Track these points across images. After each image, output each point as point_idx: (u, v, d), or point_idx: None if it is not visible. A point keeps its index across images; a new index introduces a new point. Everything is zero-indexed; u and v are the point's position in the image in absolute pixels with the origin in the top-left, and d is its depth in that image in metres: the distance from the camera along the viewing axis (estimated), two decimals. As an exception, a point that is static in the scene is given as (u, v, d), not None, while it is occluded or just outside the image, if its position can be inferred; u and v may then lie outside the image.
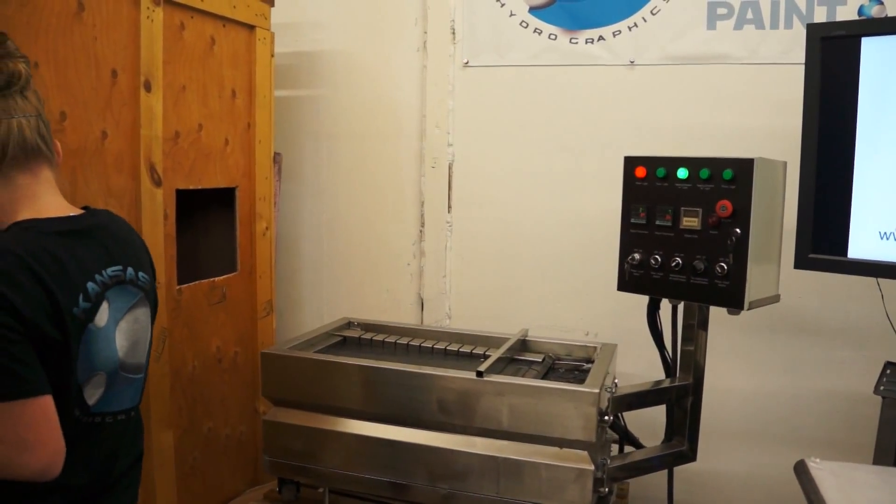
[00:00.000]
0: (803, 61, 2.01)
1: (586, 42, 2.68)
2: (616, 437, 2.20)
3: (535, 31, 2.73)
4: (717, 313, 1.94)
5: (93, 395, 1.32)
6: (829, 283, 2.36)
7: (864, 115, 1.94)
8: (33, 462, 1.19)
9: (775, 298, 1.95)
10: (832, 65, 1.97)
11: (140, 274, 1.45)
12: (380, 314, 2.88)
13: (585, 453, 1.86)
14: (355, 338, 2.43)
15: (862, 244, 1.96)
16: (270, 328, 2.70)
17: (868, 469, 1.69)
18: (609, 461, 1.94)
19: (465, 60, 2.83)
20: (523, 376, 2.09)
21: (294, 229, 3.12)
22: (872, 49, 1.92)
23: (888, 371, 2.04)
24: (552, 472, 1.86)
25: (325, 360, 2.10)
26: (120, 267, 1.39)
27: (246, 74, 2.53)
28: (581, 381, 1.94)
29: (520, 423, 1.89)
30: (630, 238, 1.97)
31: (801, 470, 1.60)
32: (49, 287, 1.22)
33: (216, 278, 2.43)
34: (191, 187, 2.28)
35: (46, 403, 1.20)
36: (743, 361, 2.58)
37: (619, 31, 2.64)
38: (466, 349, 2.30)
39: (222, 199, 2.51)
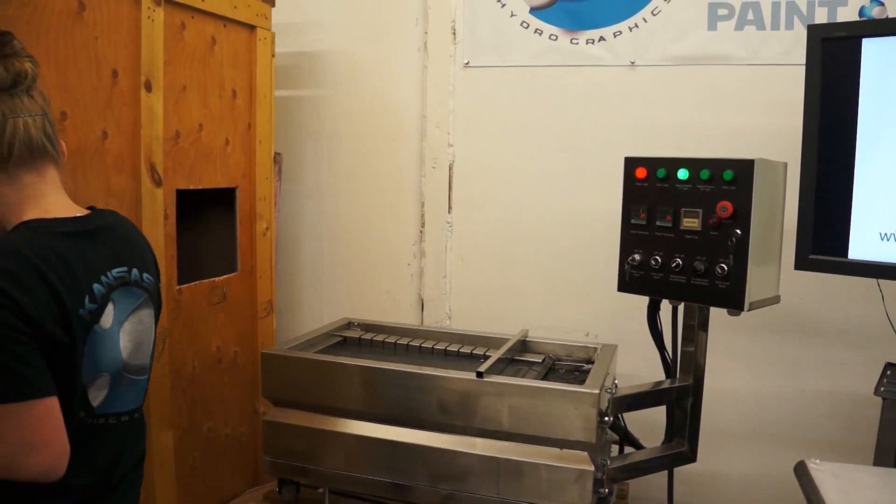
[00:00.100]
0: (804, 62, 2.01)
1: (587, 43, 2.68)
2: (616, 437, 2.20)
3: (535, 32, 2.73)
4: (717, 314, 1.94)
5: (97, 396, 1.33)
6: (830, 284, 2.36)
7: (864, 116, 1.94)
8: (38, 463, 1.20)
9: (776, 299, 1.95)
10: (833, 66, 1.97)
11: (145, 275, 1.45)
12: (380, 314, 2.88)
13: (585, 454, 1.86)
14: (355, 338, 2.43)
15: (862, 245, 1.96)
16: (270, 328, 2.70)
17: (868, 470, 1.69)
18: (609, 462, 1.94)
19: (466, 61, 2.82)
20: (523, 377, 2.09)
21: (294, 229, 3.12)
22: (873, 50, 1.92)
23: (888, 372, 2.04)
24: (552, 473, 1.86)
25: (325, 361, 2.10)
26: (125, 268, 1.40)
27: (246, 74, 2.53)
28: (581, 382, 1.94)
29: (520, 424, 1.89)
30: (630, 239, 1.97)
31: (801, 471, 1.59)
32: (56, 288, 1.22)
33: (216, 278, 2.43)
34: (191, 187, 2.28)
35: (51, 405, 1.21)
36: (743, 362, 2.58)
37: (620, 32, 2.64)
38: (466, 350, 2.30)
39: (223, 200, 2.51)
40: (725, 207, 1.78)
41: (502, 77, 2.79)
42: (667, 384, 2.10)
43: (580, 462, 1.85)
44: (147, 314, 1.45)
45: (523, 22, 2.74)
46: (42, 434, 1.20)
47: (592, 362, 2.18)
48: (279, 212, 2.93)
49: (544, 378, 2.11)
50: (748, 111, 2.52)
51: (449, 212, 2.89)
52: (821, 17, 2.44)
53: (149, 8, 2.03)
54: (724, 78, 2.55)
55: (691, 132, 2.58)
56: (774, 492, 2.52)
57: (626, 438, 2.22)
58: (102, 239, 1.38)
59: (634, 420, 2.24)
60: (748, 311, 1.80)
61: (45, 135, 1.32)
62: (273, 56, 2.64)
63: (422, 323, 2.94)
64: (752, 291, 1.79)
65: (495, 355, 2.09)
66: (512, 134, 2.80)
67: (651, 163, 1.93)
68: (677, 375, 2.11)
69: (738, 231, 1.77)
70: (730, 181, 1.78)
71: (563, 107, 2.73)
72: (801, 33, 2.32)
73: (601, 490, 1.88)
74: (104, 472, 1.38)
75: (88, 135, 1.88)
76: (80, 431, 1.30)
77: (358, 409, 2.04)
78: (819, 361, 2.52)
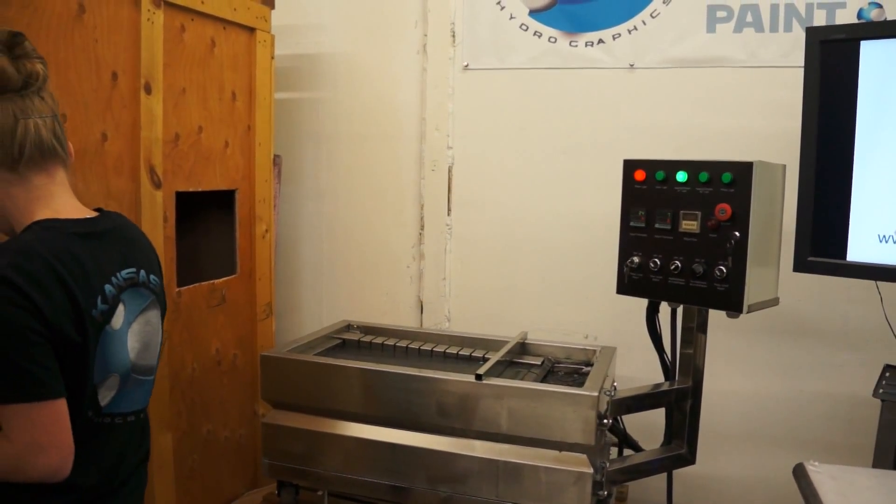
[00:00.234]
0: (803, 64, 2.01)
1: (586, 45, 2.69)
2: (615, 440, 2.20)
3: (534, 34, 2.73)
4: (716, 316, 1.94)
5: (106, 396, 1.34)
6: (828, 286, 2.36)
7: (863, 118, 1.94)
8: (46, 463, 1.21)
9: (774, 301, 1.95)
10: (831, 68, 1.97)
11: (151, 276, 1.47)
12: (379, 317, 2.88)
13: (584, 456, 1.86)
14: (354, 340, 2.43)
15: (861, 247, 1.97)
16: (270, 331, 2.70)
17: (867, 472, 1.69)
18: (608, 464, 1.93)
19: (465, 63, 2.83)
20: (522, 379, 2.09)
21: (294, 232, 3.12)
22: (871, 52, 1.92)
23: (887, 374, 2.05)
24: (551, 476, 1.86)
25: (324, 363, 2.10)
26: (134, 269, 1.41)
27: (246, 77, 2.53)
28: (580, 385, 1.94)
29: (519, 427, 1.89)
30: (629, 241, 1.97)
31: (799, 473, 1.60)
32: (71, 289, 1.24)
33: (216, 280, 2.43)
34: (191, 189, 2.28)
35: (61, 406, 1.22)
36: (742, 364, 2.58)
37: (619, 35, 2.65)
38: (466, 352, 2.30)
39: (222, 202, 2.51)
40: (724, 210, 1.78)
41: (501, 79, 2.79)
42: (666, 386, 2.10)
43: (579, 464, 1.85)
44: (154, 315, 1.47)
45: (522, 24, 2.74)
46: (51, 435, 1.21)
47: (591, 364, 2.18)
48: (278, 214, 2.93)
49: (543, 380, 2.11)
50: (747, 113, 2.53)
51: (448, 214, 2.89)
52: (819, 19, 2.44)
53: (148, 10, 2.03)
54: (722, 80, 2.55)
55: (690, 134, 2.58)
56: (773, 494, 2.53)
57: (626, 441, 2.22)
58: (112, 240, 1.39)
59: (633, 422, 2.24)
60: (747, 313, 1.80)
61: (54, 136, 1.33)
62: (272, 58, 2.64)
63: (421, 325, 2.94)
64: (751, 294, 1.79)
65: (494, 358, 2.09)
66: (511, 136, 2.80)
67: (650, 165, 1.93)
68: (676, 378, 2.11)
69: (737, 233, 1.77)
70: (728, 183, 1.78)
71: (563, 109, 2.73)
72: (799, 35, 2.33)
73: (600, 492, 1.88)
74: (109, 472, 1.38)
75: (88, 137, 1.88)
76: (88, 430, 1.31)
77: (357, 412, 2.05)
78: (818, 363, 2.52)
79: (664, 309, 2.07)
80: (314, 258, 3.12)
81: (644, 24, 2.61)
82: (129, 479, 1.45)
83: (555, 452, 1.87)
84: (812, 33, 2.00)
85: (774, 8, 2.48)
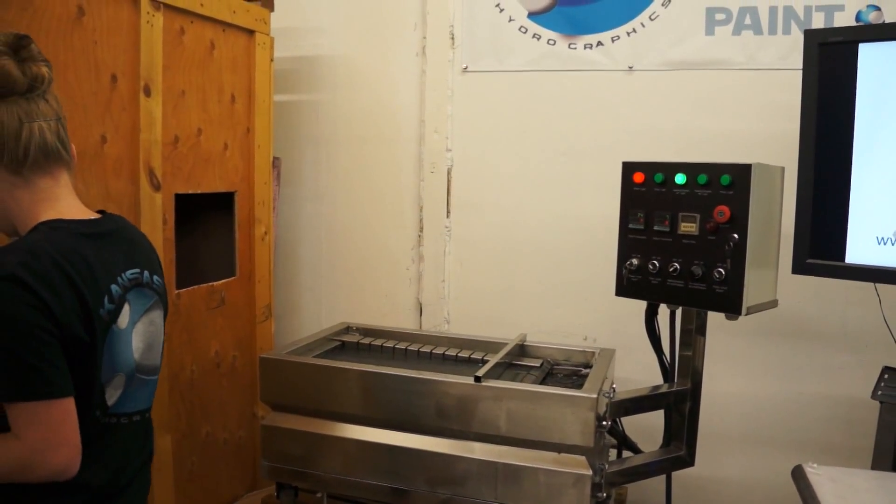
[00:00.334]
0: (801, 67, 2.02)
1: (585, 47, 2.69)
2: (614, 442, 2.20)
3: (533, 37, 2.74)
4: (715, 318, 1.95)
5: (112, 395, 1.35)
6: (827, 288, 2.36)
7: (861, 120, 1.95)
8: (57, 462, 1.22)
9: (773, 304, 1.95)
10: (830, 70, 1.97)
11: (154, 277, 1.48)
12: (378, 319, 2.88)
13: (584, 458, 1.86)
14: (354, 342, 2.43)
15: (859, 249, 1.97)
16: (269, 333, 2.70)
17: (866, 474, 1.69)
18: (607, 466, 1.93)
19: (464, 65, 2.83)
20: (521, 381, 2.09)
21: (293, 234, 3.12)
22: (870, 55, 1.93)
23: (886, 376, 2.05)
24: (550, 478, 1.86)
25: (323, 365, 2.10)
26: (138, 270, 1.42)
27: (245, 79, 2.53)
28: (579, 387, 1.94)
29: (518, 429, 1.89)
30: (628, 243, 1.97)
31: (798, 475, 1.60)
32: (80, 289, 1.25)
33: (215, 283, 2.43)
34: (190, 192, 2.28)
35: (70, 405, 1.24)
36: (741, 366, 2.58)
37: (618, 37, 2.65)
38: (465, 354, 2.30)
39: (221, 204, 2.52)
40: (723, 212, 1.78)
41: (500, 82, 2.80)
42: (665, 388, 2.10)
43: (578, 466, 1.85)
44: (157, 315, 1.48)
45: (521, 27, 2.75)
46: (61, 433, 1.22)
47: (590, 366, 2.18)
48: (278, 216, 2.93)
49: (542, 382, 2.11)
50: (745, 116, 2.53)
51: (447, 216, 2.90)
52: (818, 22, 2.45)
53: (148, 13, 2.03)
54: (721, 82, 2.55)
55: (689, 137, 2.59)
56: (772, 496, 2.53)
57: (625, 443, 2.22)
58: (116, 241, 1.40)
59: (632, 424, 2.24)
60: (746, 315, 1.80)
61: (59, 139, 1.34)
62: (272, 61, 2.64)
63: (420, 327, 2.94)
64: (750, 296, 1.79)
65: (493, 360, 2.09)
66: (510, 138, 2.80)
67: (649, 167, 1.93)
68: (675, 380, 2.11)
69: (736, 235, 1.77)
70: (727, 186, 1.78)
71: (562, 111, 2.73)
72: (798, 38, 2.33)
73: (599, 494, 1.87)
74: (117, 472, 1.40)
75: (87, 139, 1.89)
76: (96, 430, 1.32)
77: (356, 414, 2.04)
78: (816, 365, 2.53)
79: (663, 311, 2.07)
80: (313, 260, 3.12)
81: (643, 26, 2.62)
82: (134, 479, 1.46)
83: (554, 454, 1.87)
84: (810, 36, 2.01)
85: (773, 10, 2.49)
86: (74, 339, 1.24)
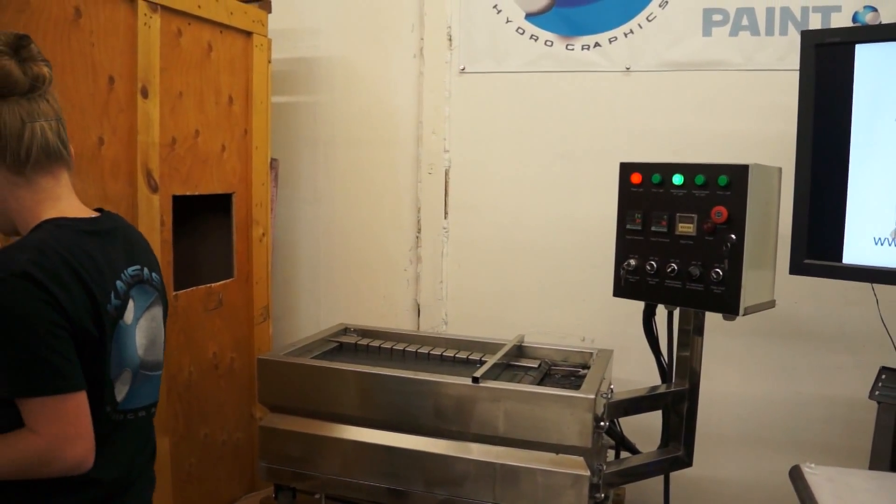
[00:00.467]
0: (798, 68, 2.02)
1: (582, 48, 2.69)
2: (612, 442, 2.20)
3: (531, 38, 2.74)
4: (712, 319, 1.95)
5: (121, 391, 1.37)
6: (825, 288, 2.36)
7: (858, 120, 1.95)
8: (73, 455, 1.24)
9: (771, 304, 1.95)
10: (827, 71, 1.98)
11: (153, 274, 1.49)
12: (376, 320, 2.88)
13: (581, 459, 1.86)
14: (352, 344, 2.43)
15: (857, 249, 1.97)
16: (267, 334, 2.70)
17: (864, 474, 1.69)
18: (605, 467, 1.94)
19: (462, 67, 2.83)
20: (519, 382, 2.09)
21: (291, 235, 3.12)
22: (866, 56, 1.93)
23: (883, 376, 2.05)
24: (548, 478, 1.86)
25: (321, 367, 2.10)
26: (139, 266, 1.44)
27: (243, 81, 2.53)
28: (577, 387, 1.94)
29: (516, 429, 1.89)
30: (626, 244, 1.97)
31: (796, 475, 1.60)
32: (88, 285, 1.26)
33: (213, 284, 2.43)
34: (187, 193, 2.28)
35: (83, 398, 1.25)
36: (738, 367, 2.59)
37: (616, 38, 2.65)
38: (463, 355, 2.30)
39: (219, 205, 2.51)
40: (720, 212, 1.78)
41: (498, 83, 2.80)
42: (662, 389, 2.10)
43: (576, 467, 1.85)
44: (158, 311, 1.49)
45: (519, 28, 2.75)
46: (77, 426, 1.24)
47: (588, 367, 2.18)
48: (275, 217, 2.93)
49: (540, 383, 2.11)
50: (743, 116, 2.53)
51: (445, 217, 2.90)
52: (815, 23, 2.45)
53: (145, 14, 2.03)
54: (718, 83, 2.56)
55: (686, 137, 2.59)
56: (770, 496, 2.53)
57: (623, 443, 2.22)
58: (117, 239, 1.41)
59: (630, 425, 2.24)
60: (743, 315, 1.80)
61: (59, 139, 1.35)
62: (269, 62, 2.64)
63: (418, 328, 2.94)
64: (747, 296, 1.79)
65: (491, 360, 2.09)
66: (508, 139, 2.80)
67: (646, 168, 1.93)
68: (673, 380, 2.11)
69: (733, 236, 1.77)
70: (725, 186, 1.79)
71: (559, 112, 2.73)
72: (795, 39, 2.33)
73: (597, 495, 1.88)
74: (127, 467, 1.41)
75: (85, 141, 1.88)
76: (106, 426, 1.33)
77: (354, 415, 2.04)
78: (814, 366, 2.53)
79: (661, 311, 2.07)
80: (311, 261, 3.12)
81: (640, 27, 2.62)
82: (140, 475, 1.47)
83: (552, 455, 1.87)
84: (807, 37, 2.01)
85: (770, 11, 2.49)
86: (85, 335, 1.25)
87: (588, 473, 1.84)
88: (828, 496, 1.49)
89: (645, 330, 2.12)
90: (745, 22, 2.52)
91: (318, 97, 3.05)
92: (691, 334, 2.04)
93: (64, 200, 1.36)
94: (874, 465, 1.93)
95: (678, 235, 1.87)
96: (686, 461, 2.06)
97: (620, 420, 2.20)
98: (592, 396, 1.83)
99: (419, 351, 2.33)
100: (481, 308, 2.87)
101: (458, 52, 2.83)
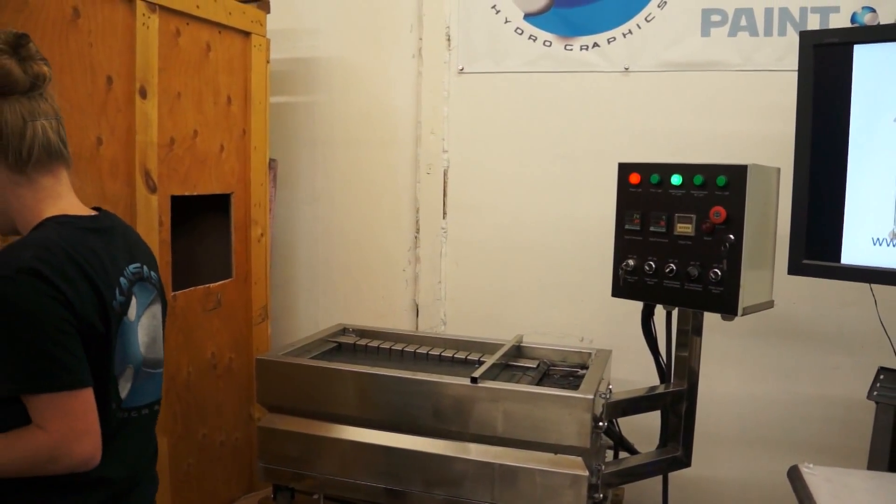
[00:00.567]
0: (797, 68, 2.02)
1: (581, 49, 2.69)
2: (611, 442, 2.20)
3: (530, 38, 2.74)
4: (711, 319, 1.95)
5: (124, 388, 1.37)
6: (823, 288, 2.36)
7: (856, 121, 1.95)
8: (82, 451, 1.23)
9: (769, 304, 1.95)
10: (825, 72, 1.98)
11: (152, 272, 1.50)
12: (375, 320, 2.88)
13: (580, 459, 1.86)
14: (350, 344, 2.43)
15: (855, 250, 1.97)
16: (265, 334, 2.69)
17: (862, 474, 1.69)
18: (604, 467, 1.94)
19: (461, 67, 2.83)
20: (518, 382, 2.09)
21: (289, 235, 3.12)
22: (865, 56, 1.93)
23: (881, 376, 2.05)
24: (547, 479, 1.86)
25: (320, 367, 2.10)
26: (139, 264, 1.44)
27: (241, 81, 2.53)
28: (575, 387, 1.94)
29: (514, 429, 1.89)
30: (624, 244, 1.97)
31: (794, 475, 1.60)
32: (94, 281, 1.27)
33: (211, 284, 2.43)
34: (186, 193, 2.28)
35: (90, 395, 1.25)
36: (737, 367, 2.59)
37: (614, 38, 2.65)
38: (461, 355, 2.30)
39: (217, 206, 2.51)
40: (719, 213, 1.78)
41: (497, 83, 2.80)
42: (661, 389, 2.10)
43: (575, 467, 1.85)
44: (158, 309, 1.50)
45: (517, 28, 2.75)
46: (84, 423, 1.24)
47: (587, 367, 2.18)
48: (274, 218, 2.93)
49: (539, 383, 2.11)
50: (741, 117, 2.53)
51: (444, 217, 2.90)
52: (813, 23, 2.45)
53: (144, 15, 2.03)
54: (717, 84, 2.56)
55: (685, 138, 2.59)
56: (768, 496, 2.53)
57: (621, 443, 2.22)
58: (117, 237, 1.42)
59: (629, 425, 2.24)
60: (742, 316, 1.80)
61: (59, 138, 1.35)
62: (268, 62, 2.64)
63: (417, 328, 2.94)
64: (746, 296, 1.79)
65: (490, 361, 2.09)
66: (506, 140, 2.80)
67: (645, 168, 1.93)
68: (672, 380, 2.11)
69: (732, 236, 1.77)
70: (723, 186, 1.79)
71: (558, 113, 2.73)
72: (793, 39, 2.33)
73: (596, 495, 1.88)
74: (133, 465, 1.41)
75: (83, 141, 1.88)
76: (113, 424, 1.33)
77: (353, 415, 2.04)
78: (812, 366, 2.53)
79: (659, 312, 2.07)
80: (310, 262, 3.12)
81: (639, 27, 2.62)
82: (145, 474, 1.48)
83: (550, 455, 1.87)
84: (806, 37, 2.01)
85: (768, 12, 2.49)
86: (91, 331, 1.25)
87: (586, 473, 1.84)
88: (826, 496, 1.49)
89: (643, 330, 2.12)
90: (743, 22, 2.52)
91: (316, 97, 3.05)
92: (690, 334, 2.04)
93: (64, 199, 1.36)
94: (872, 465, 1.93)
95: (677, 236, 1.87)
96: (684, 461, 2.06)
97: (619, 420, 2.19)
98: (591, 396, 1.83)
99: (418, 351, 2.33)
100: (480, 308, 2.87)
101: (457, 53, 2.83)
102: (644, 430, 2.31)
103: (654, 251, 1.92)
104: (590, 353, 2.29)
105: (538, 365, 2.26)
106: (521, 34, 2.75)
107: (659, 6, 2.59)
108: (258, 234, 2.63)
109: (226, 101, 2.45)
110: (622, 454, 2.23)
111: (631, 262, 1.95)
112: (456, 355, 2.30)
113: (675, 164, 1.88)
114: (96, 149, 1.92)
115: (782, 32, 2.49)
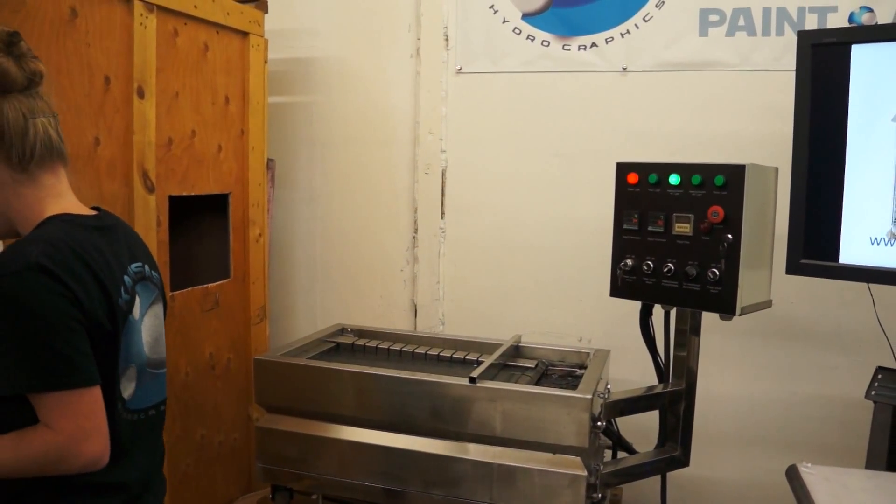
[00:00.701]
0: (794, 68, 2.02)
1: (579, 49, 2.69)
2: (609, 442, 2.20)
3: (528, 38, 2.74)
4: (709, 319, 1.95)
5: (126, 388, 1.36)
6: (821, 288, 2.37)
7: (854, 121, 1.95)
8: (91, 450, 1.22)
9: (767, 304, 1.95)
10: (823, 71, 1.98)
11: (153, 272, 1.49)
12: (373, 320, 2.88)
13: (578, 459, 1.86)
14: (348, 344, 2.43)
15: (853, 249, 1.97)
16: (263, 335, 2.69)
17: (860, 474, 1.69)
18: (602, 467, 1.94)
19: (459, 67, 2.83)
20: (516, 382, 2.09)
21: (287, 235, 3.12)
22: (863, 56, 1.93)
23: (879, 376, 2.05)
24: (545, 478, 1.86)
25: (318, 367, 2.10)
26: (140, 263, 1.44)
27: (239, 81, 2.53)
28: (574, 387, 1.94)
29: (513, 429, 1.89)
30: (622, 244, 1.98)
31: (792, 475, 1.60)
32: (100, 278, 1.26)
33: (209, 285, 2.43)
34: (184, 194, 2.28)
35: (98, 393, 1.24)
36: (735, 367, 2.59)
37: (612, 38, 2.65)
38: (460, 355, 2.30)
39: (216, 206, 2.51)
40: (717, 212, 1.78)
41: (495, 83, 2.80)
42: (659, 389, 2.10)
43: (573, 467, 1.85)
44: (159, 309, 1.50)
45: (515, 28, 2.75)
46: (93, 422, 1.22)
47: (585, 367, 2.18)
48: (272, 218, 2.93)
49: (537, 383, 2.11)
50: (739, 116, 2.53)
51: (442, 217, 2.90)
52: (811, 23, 2.45)
53: (141, 15, 2.03)
54: (715, 84, 2.56)
55: (683, 137, 2.59)
56: (767, 495, 2.53)
57: (619, 443, 2.22)
58: (119, 235, 1.41)
59: (627, 425, 2.24)
60: (740, 315, 1.80)
61: (58, 136, 1.35)
62: (266, 62, 2.64)
63: (415, 328, 2.94)
64: (744, 296, 1.80)
65: (488, 361, 2.09)
66: (504, 140, 2.80)
67: (643, 168, 1.93)
68: (670, 380, 2.11)
69: (730, 236, 1.77)
70: (721, 186, 1.79)
71: (556, 113, 2.74)
72: (791, 39, 2.33)
73: (594, 495, 1.88)
74: (146, 468, 1.41)
75: (81, 141, 1.88)
76: (122, 425, 1.33)
77: (351, 415, 2.04)
78: (811, 365, 2.53)
79: (657, 311, 2.07)
80: (308, 262, 3.12)
81: (637, 27, 2.62)
82: (156, 476, 1.47)
83: (549, 455, 1.87)
84: (804, 37, 2.01)
85: (766, 12, 2.49)
86: (99, 328, 1.24)
87: (585, 473, 1.84)
88: (824, 495, 1.49)
89: (642, 330, 2.12)
90: (741, 22, 2.52)
91: (314, 97, 3.05)
92: (688, 334, 2.05)
93: (65, 197, 1.35)
94: (870, 464, 1.93)
95: (675, 235, 1.87)
96: (683, 461, 2.07)
97: (617, 420, 2.20)
98: (589, 396, 1.83)
99: (416, 351, 2.33)
100: (478, 308, 2.87)
101: (455, 53, 2.83)
102: (642, 429, 2.31)
103: (652, 251, 1.92)
104: (588, 353, 2.29)
105: (536, 365, 2.26)
106: (519, 34, 2.75)
107: (657, 6, 2.59)
108: (256, 234, 2.63)
109: (224, 102, 2.45)
110: (620, 454, 2.23)
111: (629, 261, 1.95)
112: (454, 355, 2.30)
113: (673, 164, 1.88)
114: (94, 149, 1.92)
115: (780, 32, 2.49)
